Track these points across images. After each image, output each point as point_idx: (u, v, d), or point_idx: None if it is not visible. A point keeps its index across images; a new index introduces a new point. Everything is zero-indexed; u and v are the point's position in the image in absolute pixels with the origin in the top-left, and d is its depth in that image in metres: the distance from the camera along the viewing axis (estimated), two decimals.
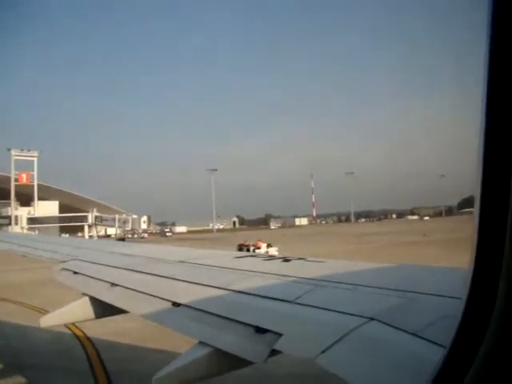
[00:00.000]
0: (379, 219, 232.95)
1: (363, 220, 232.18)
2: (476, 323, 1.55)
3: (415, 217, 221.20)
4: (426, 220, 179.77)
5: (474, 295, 1.59)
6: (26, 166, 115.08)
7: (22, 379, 10.62)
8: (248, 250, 40.42)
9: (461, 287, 3.52)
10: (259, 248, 43.10)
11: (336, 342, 3.03)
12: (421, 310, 3.26)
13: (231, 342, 3.63)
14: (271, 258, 5.96)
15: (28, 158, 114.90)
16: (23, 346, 13.49)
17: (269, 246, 44.85)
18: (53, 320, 6.25)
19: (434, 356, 2.55)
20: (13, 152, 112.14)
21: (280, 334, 3.38)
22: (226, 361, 3.65)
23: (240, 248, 44.51)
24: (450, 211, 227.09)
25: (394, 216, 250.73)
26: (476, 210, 1.45)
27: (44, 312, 6.49)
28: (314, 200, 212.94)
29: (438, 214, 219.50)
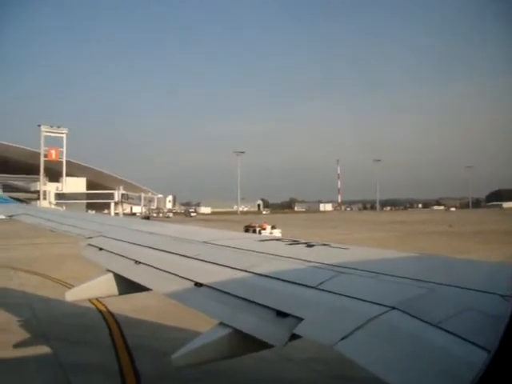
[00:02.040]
0: (405, 208, 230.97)
1: (388, 208, 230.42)
2: None
3: (441, 207, 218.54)
4: (453, 211, 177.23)
5: None
6: (55, 142, 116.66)
7: (47, 349, 10.87)
8: (254, 231, 42.89)
9: (483, 280, 3.47)
10: (264, 229, 45.94)
11: (356, 329, 3.03)
12: (442, 302, 3.23)
13: (252, 324, 3.64)
14: (295, 242, 5.93)
15: (57, 135, 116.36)
16: (49, 318, 13.79)
17: (273, 227, 47.19)
18: (77, 294, 6.36)
19: (454, 348, 2.53)
20: (42, 128, 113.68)
21: (301, 319, 3.38)
22: (245, 343, 3.67)
23: (246, 229, 46.99)
24: (477, 203, 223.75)
25: (419, 206, 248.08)
26: None
27: (69, 286, 6.61)
28: (339, 186, 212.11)
29: (465, 206, 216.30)
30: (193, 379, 8.57)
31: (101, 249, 7.28)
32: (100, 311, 14.24)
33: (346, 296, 3.60)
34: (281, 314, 3.54)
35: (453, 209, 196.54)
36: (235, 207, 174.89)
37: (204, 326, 4.16)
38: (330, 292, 3.73)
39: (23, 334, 12.09)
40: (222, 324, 3.81)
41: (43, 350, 10.86)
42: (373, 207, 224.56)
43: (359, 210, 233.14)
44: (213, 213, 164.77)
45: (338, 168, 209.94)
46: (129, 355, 10.52)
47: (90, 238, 8.02)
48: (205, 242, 6.35)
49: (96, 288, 6.28)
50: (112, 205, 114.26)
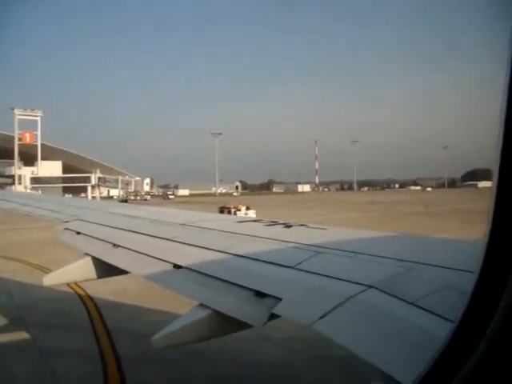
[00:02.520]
0: (382, 188, 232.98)
1: (366, 189, 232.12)
2: (488, 298, 1.53)
3: (418, 187, 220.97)
4: (429, 191, 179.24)
5: (487, 269, 1.57)
6: (29, 125, 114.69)
7: (25, 335, 10.82)
8: (229, 213, 43.77)
9: (460, 258, 3.53)
10: (239, 210, 47.15)
11: (334, 308, 3.06)
12: (419, 280, 3.27)
13: (231, 304, 3.66)
14: (273, 223, 5.96)
15: (31, 118, 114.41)
16: (26, 303, 13.69)
17: (247, 208, 48.73)
18: (55, 279, 6.33)
19: (431, 326, 2.57)
20: (16, 111, 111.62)
21: (279, 299, 3.41)
22: (225, 323, 3.70)
23: (221, 210, 47.72)
24: (453, 183, 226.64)
25: (396, 186, 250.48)
26: (494, 183, 1.41)
27: (47, 271, 6.57)
28: (317, 167, 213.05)
29: (441, 186, 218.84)
30: (173, 360, 8.63)
31: (78, 233, 7.23)
32: (79, 295, 14.19)
33: (324, 276, 3.63)
34: (259, 295, 3.57)
35: (429, 189, 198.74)
36: (213, 189, 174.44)
37: (184, 308, 4.17)
38: (308, 272, 3.76)
39: (0, 320, 12.00)
40: (201, 305, 3.82)
41: (21, 335, 10.80)
42: (350, 188, 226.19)
43: (337, 190, 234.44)
44: (191, 195, 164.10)
45: (316, 149, 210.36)
46: (109, 338, 10.53)
47: (67, 222, 7.96)
48: (183, 224, 6.34)
49: (74, 272, 6.25)
50: (89, 188, 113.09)
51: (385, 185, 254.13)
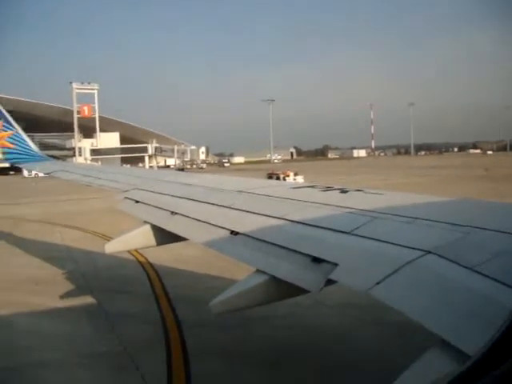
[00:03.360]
0: (440, 152, 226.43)
1: (423, 153, 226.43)
2: None
3: (477, 151, 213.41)
4: (489, 154, 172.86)
5: None
6: (87, 99, 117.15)
7: (91, 300, 11.28)
8: (278, 179, 44.84)
9: None
10: (288, 176, 48.33)
11: (391, 274, 3.03)
12: (480, 245, 3.19)
13: (288, 270, 3.69)
14: (329, 188, 5.90)
15: (89, 91, 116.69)
16: (90, 270, 14.23)
17: (296, 174, 49.43)
18: (116, 246, 6.54)
19: (492, 292, 2.51)
20: (74, 85, 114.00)
21: (336, 265, 3.40)
22: (281, 289, 3.74)
23: (270, 176, 48.64)
24: None
25: (455, 149, 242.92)
26: None
27: (108, 239, 6.79)
28: (372, 131, 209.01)
29: (502, 149, 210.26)
30: (231, 326, 8.80)
31: (137, 201, 7.42)
32: (140, 262, 14.61)
33: (381, 241, 3.60)
34: (316, 260, 3.57)
35: (490, 152, 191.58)
36: (268, 156, 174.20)
37: (241, 274, 4.24)
38: (364, 237, 3.73)
39: (68, 286, 12.54)
40: (258, 271, 3.87)
41: (88, 300, 11.27)
42: (407, 152, 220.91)
43: (393, 154, 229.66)
44: (246, 162, 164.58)
45: (372, 113, 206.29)
46: (169, 304, 10.84)
47: (126, 191, 8.16)
48: (239, 191, 6.38)
49: (134, 239, 6.44)
50: (146, 158, 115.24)
51: (443, 148, 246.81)
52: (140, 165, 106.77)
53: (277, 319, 9.14)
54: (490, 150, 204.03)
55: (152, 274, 13.56)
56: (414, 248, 3.28)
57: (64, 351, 8.54)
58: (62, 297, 11.44)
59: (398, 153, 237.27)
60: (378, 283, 2.98)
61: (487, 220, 3.67)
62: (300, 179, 44.88)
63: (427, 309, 2.72)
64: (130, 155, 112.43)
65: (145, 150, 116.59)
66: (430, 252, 3.16)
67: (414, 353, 2.50)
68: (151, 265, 14.31)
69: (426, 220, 3.88)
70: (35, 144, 15.80)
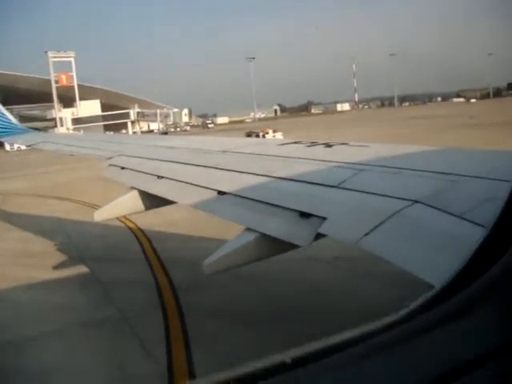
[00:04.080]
0: (424, 103, 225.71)
1: (407, 104, 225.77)
2: None
3: (461, 99, 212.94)
4: (473, 102, 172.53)
5: None
6: (64, 68, 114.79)
7: (84, 269, 11.32)
8: (257, 136, 45.43)
9: (507, 169, 3.43)
10: (267, 133, 49.20)
11: (379, 224, 3.06)
12: (466, 193, 3.21)
13: (277, 226, 3.72)
14: (314, 143, 5.90)
15: (65, 59, 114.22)
16: (81, 240, 14.23)
17: (274, 131, 50.84)
18: (105, 214, 6.54)
19: (478, 237, 2.54)
20: (50, 54, 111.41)
21: (324, 218, 3.42)
22: (272, 245, 3.77)
23: (249, 135, 49.33)
24: (498, 93, 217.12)
25: (439, 99, 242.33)
26: None
27: (96, 207, 6.77)
28: (355, 85, 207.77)
29: (486, 96, 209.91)
30: (225, 285, 8.89)
31: (122, 168, 7.37)
32: (129, 228, 14.62)
33: (368, 193, 3.62)
34: (304, 215, 3.60)
35: (473, 100, 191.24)
36: (252, 114, 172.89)
37: (231, 233, 4.25)
38: (351, 190, 3.75)
39: (61, 257, 12.55)
40: (248, 229, 3.89)
41: (81, 269, 11.31)
42: (391, 104, 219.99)
43: (377, 107, 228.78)
44: (230, 122, 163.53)
45: (354, 66, 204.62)
46: (162, 267, 10.91)
47: (111, 158, 8.10)
48: (224, 151, 6.36)
49: (122, 206, 6.44)
50: (129, 124, 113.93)
51: (426, 99, 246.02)
52: (123, 131, 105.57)
53: (268, 275, 9.22)
54: (473, 98, 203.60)
55: (142, 239, 13.59)
56: (401, 198, 3.30)
57: (61, 322, 8.60)
58: (55, 268, 11.45)
59: (382, 105, 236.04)
60: (366, 234, 3.01)
61: (474, 168, 3.68)
62: (279, 135, 46.11)
63: (414, 256, 2.76)
64: (113, 122, 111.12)
65: (127, 115, 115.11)
66: (417, 201, 3.19)
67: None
68: (141, 230, 14.33)
69: (413, 170, 3.90)
70: (15, 117, 15.55)
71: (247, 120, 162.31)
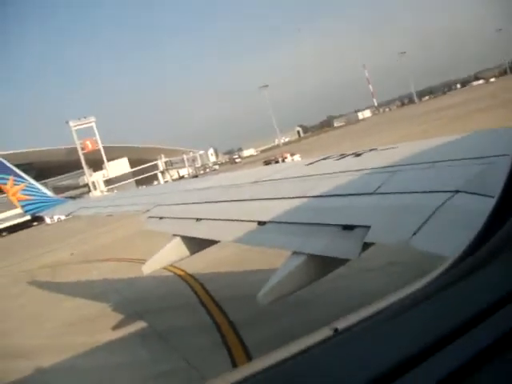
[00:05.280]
0: (444, 93, 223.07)
1: (427, 98, 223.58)
2: None
3: (481, 81, 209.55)
4: (493, 82, 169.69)
5: None
6: (85, 134, 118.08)
7: (143, 324, 11.39)
8: (276, 162, 45.83)
9: None
10: (286, 158, 50.97)
11: (425, 221, 3.01)
12: (502, 172, 3.14)
13: (322, 244, 3.69)
14: (343, 156, 5.88)
15: (86, 126, 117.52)
16: (134, 295, 14.38)
17: (292, 154, 52.41)
18: (153, 265, 6.60)
19: None
20: (71, 123, 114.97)
21: (368, 227, 3.39)
22: (321, 264, 3.73)
23: (267, 163, 49.35)
24: None
25: (458, 86, 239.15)
26: None
27: (142, 262, 6.85)
28: (372, 90, 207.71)
29: (503, 73, 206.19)
30: (283, 314, 8.80)
31: (161, 218, 7.46)
32: (179, 275, 14.70)
33: (407, 193, 3.58)
34: (348, 228, 3.56)
35: (492, 79, 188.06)
36: (276, 141, 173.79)
37: (279, 261, 4.23)
38: (389, 193, 3.71)
39: (117, 317, 12.67)
40: (294, 253, 3.87)
41: (139, 325, 11.38)
42: (411, 101, 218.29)
43: (398, 107, 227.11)
44: (256, 152, 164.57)
45: (366, 72, 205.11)
46: (218, 307, 10.91)
47: (148, 210, 8.22)
48: (255, 182, 6.39)
49: (167, 255, 6.49)
50: (159, 174, 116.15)
51: (446, 88, 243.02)
52: (155, 183, 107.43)
53: (327, 296, 9.10)
54: (492, 77, 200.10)
55: (193, 283, 13.65)
56: (441, 191, 3.25)
57: (131, 378, 8.65)
58: (114, 328, 11.57)
59: (403, 104, 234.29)
60: (414, 234, 2.97)
61: (504, 146, 3.61)
62: (297, 158, 46.99)
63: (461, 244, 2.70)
64: (143, 176, 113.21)
65: (155, 167, 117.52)
66: (458, 191, 3.13)
67: None
68: (191, 275, 14.40)
69: (445, 161, 3.85)
70: (49, 189, 15.97)
71: (272, 146, 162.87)
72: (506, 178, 1.82)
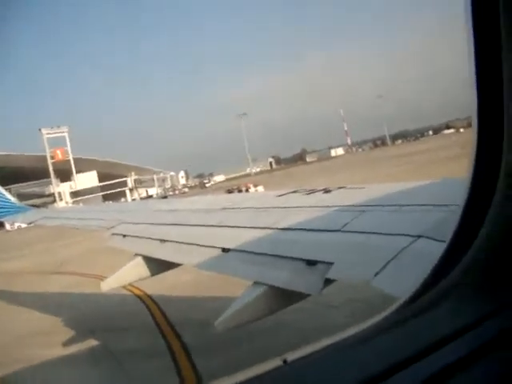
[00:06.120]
0: (416, 138, 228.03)
1: (400, 141, 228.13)
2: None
3: (451, 130, 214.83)
4: (463, 132, 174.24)
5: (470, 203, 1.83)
6: (58, 142, 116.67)
7: (95, 342, 11.15)
8: (240, 191, 48.88)
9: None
10: (249, 188, 53.50)
11: (388, 263, 3.05)
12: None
13: (284, 277, 3.70)
14: (312, 191, 5.94)
15: (59, 135, 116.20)
16: (89, 312, 14.08)
17: (255, 185, 55.04)
18: (112, 283, 6.50)
19: None
20: (43, 131, 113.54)
21: (331, 263, 3.42)
22: (281, 297, 3.74)
23: (230, 191, 51.08)
24: None
25: (430, 133, 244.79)
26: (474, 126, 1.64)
27: (101, 278, 6.75)
28: (346, 128, 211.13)
29: (470, 125, 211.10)
30: (238, 341, 8.73)
31: (124, 235, 7.38)
32: (137, 295, 14.49)
33: (372, 233, 3.62)
34: (311, 263, 3.58)
35: (462, 130, 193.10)
36: (248, 169, 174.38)
37: (240, 289, 4.22)
38: (355, 232, 3.76)
39: (69, 332, 12.38)
40: (256, 283, 3.87)
41: (91, 343, 11.13)
42: (384, 143, 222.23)
43: (370, 148, 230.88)
44: (227, 179, 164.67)
45: (341, 111, 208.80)
46: (173, 330, 10.76)
47: (112, 227, 8.12)
48: (223, 208, 6.40)
49: (128, 274, 6.41)
50: (127, 192, 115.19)
51: (418, 134, 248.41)
52: (122, 199, 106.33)
53: (285, 328, 9.07)
54: (462, 127, 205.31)
55: (151, 305, 13.46)
56: (405, 235, 3.30)
57: None
58: (64, 344, 11.27)
59: (375, 145, 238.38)
60: (376, 274, 3.00)
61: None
62: (260, 189, 49.10)
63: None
64: (111, 191, 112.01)
65: (124, 184, 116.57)
66: (420, 236, 3.20)
67: None
68: (149, 296, 14.21)
69: (411, 205, 3.92)
70: (13, 196, 15.67)
71: (243, 175, 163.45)
72: (456, 227, 1.90)
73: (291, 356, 1.41)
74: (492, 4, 1.32)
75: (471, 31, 1.43)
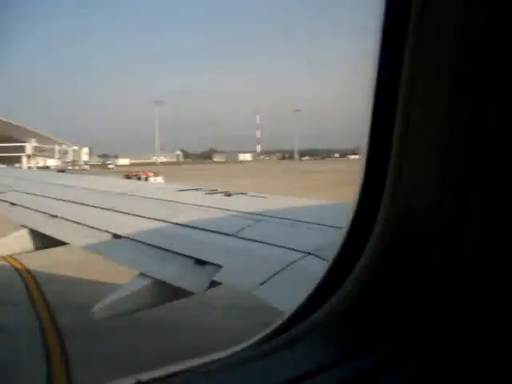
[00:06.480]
0: (323, 158, 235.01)
1: (307, 158, 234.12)
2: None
3: (357, 156, 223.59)
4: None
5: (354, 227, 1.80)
6: None
7: None
8: (139, 179, 48.54)
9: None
10: (149, 177, 53.72)
11: (274, 274, 3.12)
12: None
13: (171, 273, 3.69)
14: (214, 191, 5.97)
15: None
16: None
17: (156, 175, 54.90)
18: None
19: None
20: None
21: (220, 266, 3.45)
22: (165, 291, 3.72)
23: (128, 177, 50.22)
24: None
25: (336, 155, 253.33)
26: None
27: None
28: (258, 136, 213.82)
29: None
30: (113, 330, 8.55)
31: (13, 204, 7.02)
32: (16, 268, 13.79)
33: (264, 243, 3.70)
34: (200, 262, 3.60)
35: None
36: (154, 158, 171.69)
37: (125, 278, 4.15)
38: (248, 239, 3.82)
39: None
40: (141, 274, 3.82)
41: None
42: (291, 157, 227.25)
43: (278, 159, 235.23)
44: (131, 164, 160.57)
45: (257, 118, 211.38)
46: (48, 312, 10.34)
47: (1, 193, 7.70)
48: (122, 193, 6.26)
49: (9, 244, 6.08)
50: (24, 158, 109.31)
51: (325, 154, 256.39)
52: (17, 165, 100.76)
53: (162, 322, 9.01)
54: None
55: (30, 280, 12.86)
56: (295, 250, 3.40)
57: None
58: None
59: (283, 157, 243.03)
60: (261, 284, 3.06)
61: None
62: (160, 179, 48.57)
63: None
64: (6, 154, 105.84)
65: (22, 149, 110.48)
66: (310, 253, 3.30)
67: None
68: (28, 271, 13.56)
69: (307, 223, 4.04)
70: None
71: (149, 163, 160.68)
72: (337, 250, 1.90)
73: (146, 376, 1.32)
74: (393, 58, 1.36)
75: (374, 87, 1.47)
